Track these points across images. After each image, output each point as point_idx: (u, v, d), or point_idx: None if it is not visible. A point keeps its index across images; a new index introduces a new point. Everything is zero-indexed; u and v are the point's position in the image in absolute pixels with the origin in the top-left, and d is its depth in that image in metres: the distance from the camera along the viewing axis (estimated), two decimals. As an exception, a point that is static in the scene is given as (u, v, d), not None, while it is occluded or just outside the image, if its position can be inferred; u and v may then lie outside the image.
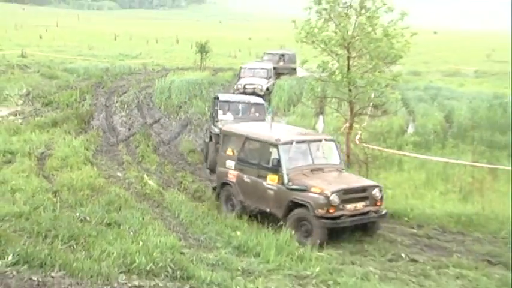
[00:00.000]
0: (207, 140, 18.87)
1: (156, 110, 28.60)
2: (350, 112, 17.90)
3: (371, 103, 18.50)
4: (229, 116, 18.78)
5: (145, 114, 27.42)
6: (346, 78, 16.76)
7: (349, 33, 16.90)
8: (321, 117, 26.34)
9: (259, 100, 20.29)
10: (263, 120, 18.09)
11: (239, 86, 29.60)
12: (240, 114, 19.01)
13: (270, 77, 31.84)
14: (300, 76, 35.08)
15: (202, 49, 43.40)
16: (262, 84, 30.01)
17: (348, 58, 17.16)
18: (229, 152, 13.89)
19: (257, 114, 19.04)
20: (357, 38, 16.94)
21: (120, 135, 22.77)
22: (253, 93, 27.26)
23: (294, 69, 36.45)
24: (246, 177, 13.26)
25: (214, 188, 14.50)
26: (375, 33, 16.70)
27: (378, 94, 17.52)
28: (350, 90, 17.26)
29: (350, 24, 16.91)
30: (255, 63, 35.14)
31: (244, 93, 27.41)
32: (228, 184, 13.74)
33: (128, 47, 59.65)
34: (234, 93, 28.08)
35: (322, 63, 17.27)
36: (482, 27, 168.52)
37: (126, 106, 28.27)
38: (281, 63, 36.45)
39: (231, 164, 13.71)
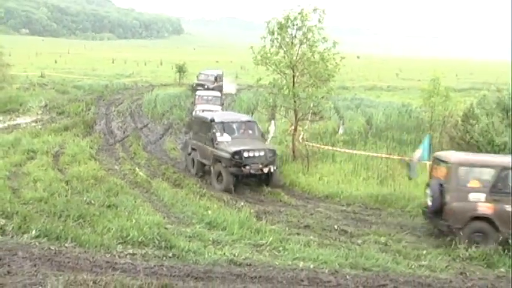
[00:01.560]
0: (189, 151, 16.67)
1: (144, 117, 28.23)
2: (295, 118, 17.99)
3: (311, 111, 18.63)
4: (227, 137, 15.16)
5: (136, 120, 27.04)
6: (292, 92, 16.85)
7: (294, 57, 17.01)
8: (272, 121, 26.21)
9: (250, 118, 17.43)
10: (256, 137, 15.64)
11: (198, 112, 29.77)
12: (236, 134, 15.57)
13: (222, 104, 31.50)
14: (228, 92, 35.91)
15: (181, 69, 43.09)
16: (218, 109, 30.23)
17: (293, 76, 17.25)
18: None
19: (250, 132, 15.90)
20: (300, 61, 17.04)
21: (117, 137, 22.44)
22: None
23: (222, 86, 36.12)
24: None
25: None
26: (314, 58, 16.83)
27: (316, 104, 17.65)
28: (295, 102, 17.35)
29: (295, 50, 17.01)
30: (208, 92, 33.87)
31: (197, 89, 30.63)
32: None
33: (123, 68, 58.65)
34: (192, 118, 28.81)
35: (273, 80, 17.33)
36: (392, 54, 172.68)
37: (121, 114, 27.87)
38: (215, 83, 36.16)
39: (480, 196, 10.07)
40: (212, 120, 15.33)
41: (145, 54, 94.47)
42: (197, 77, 36.04)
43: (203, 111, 22.42)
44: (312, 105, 17.99)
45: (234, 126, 15.67)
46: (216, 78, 35.34)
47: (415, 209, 12.76)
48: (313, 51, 16.71)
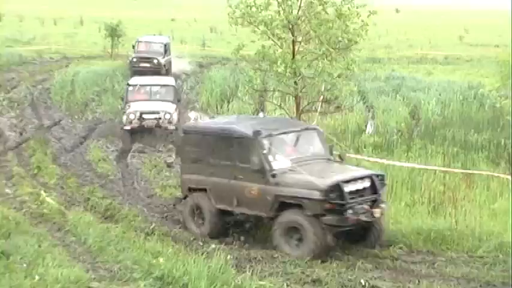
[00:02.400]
0: (185, 194, 15.22)
1: (55, 109, 28.20)
2: (296, 108, 18.05)
3: (321, 97, 18.71)
4: (285, 161, 13.60)
5: (42, 114, 26.98)
6: (291, 68, 16.91)
7: (295, 12, 17.08)
8: (261, 114, 26.49)
9: (307, 124, 16.00)
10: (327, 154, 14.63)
11: (134, 60, 34.34)
12: (293, 152, 14.11)
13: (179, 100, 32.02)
14: (181, 70, 37.49)
15: (113, 32, 43.13)
16: (159, 58, 34.59)
17: (293, 43, 17.32)
18: None
19: (313, 147, 14.64)
20: (303, 18, 17.12)
21: (9, 141, 22.38)
22: (150, 68, 33.25)
23: (171, 62, 37.46)
24: None
25: None
26: (326, 13, 16.93)
27: (329, 86, 17.74)
28: (296, 83, 17.41)
29: (296, 2, 17.10)
30: (152, 37, 39.15)
31: (136, 68, 33.57)
32: None
33: (18, 30, 58.47)
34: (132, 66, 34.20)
35: (261, 49, 17.35)
36: (453, 2, 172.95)
37: (16, 105, 27.85)
38: (165, 56, 36.59)
39: None
40: (257, 134, 13.61)
41: (54, 6, 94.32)
42: (134, 47, 36.22)
43: (163, 115, 22.92)
44: (323, 89, 18.07)
45: (289, 138, 14.37)
46: (165, 49, 36.31)
47: (491, 253, 12.85)
48: (324, 2, 16.83)
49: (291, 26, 17.11)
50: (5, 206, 14.41)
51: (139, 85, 24.21)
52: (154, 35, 41.17)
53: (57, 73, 33.06)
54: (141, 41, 36.62)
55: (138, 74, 32.18)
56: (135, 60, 34.40)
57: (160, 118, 22.64)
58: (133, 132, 22.55)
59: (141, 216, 14.87)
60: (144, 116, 22.62)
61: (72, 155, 21.22)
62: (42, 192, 16.00)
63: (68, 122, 25.93)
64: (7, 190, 16.35)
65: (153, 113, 22.77)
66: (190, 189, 14.58)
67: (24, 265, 10.48)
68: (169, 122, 22.75)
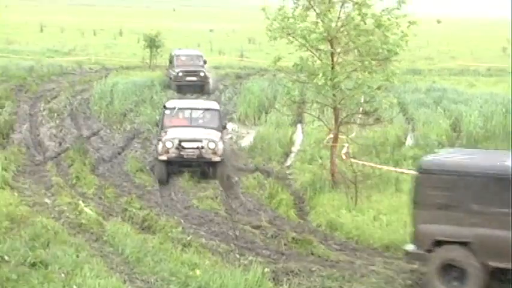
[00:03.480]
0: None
1: (94, 119, 28.40)
2: (335, 120, 18.01)
3: (360, 109, 18.63)
4: None
5: (81, 124, 27.19)
6: (330, 80, 16.88)
7: (334, 24, 17.04)
8: (299, 126, 26.49)
9: None
10: None
11: (179, 74, 34.68)
12: None
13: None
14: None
15: (152, 43, 43.44)
16: (205, 72, 35.58)
17: (332, 55, 17.32)
18: None
19: None
20: (342, 30, 17.08)
21: (49, 151, 22.56)
22: (197, 82, 34.78)
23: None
24: None
25: None
26: (365, 24, 16.86)
27: (368, 98, 17.67)
28: (334, 94, 17.37)
29: (335, 13, 17.06)
30: (191, 50, 40.65)
31: (185, 81, 34.50)
32: None
33: (58, 40, 59.27)
34: (171, 81, 34.94)
35: (300, 60, 17.38)
36: (496, 14, 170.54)
37: (56, 115, 28.07)
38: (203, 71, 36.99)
39: None
40: None
41: (94, 18, 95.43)
42: (172, 59, 36.61)
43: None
44: (362, 101, 17.99)
45: None
46: (204, 62, 37.30)
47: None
48: (364, 13, 16.76)
49: (329, 38, 17.10)
50: (44, 215, 14.52)
51: (178, 108, 21.22)
52: (180, 48, 41.54)
53: (96, 83, 33.30)
54: (180, 55, 37.00)
55: (183, 89, 34.05)
56: (180, 74, 34.75)
57: (203, 147, 19.44)
58: (169, 163, 19.76)
59: (179, 228, 14.89)
60: (183, 144, 19.50)
61: (110, 165, 21.30)
62: (80, 202, 16.08)
63: (106, 132, 26.08)
64: (46, 200, 16.43)
65: (195, 141, 19.56)
66: (438, 243, 11.99)
67: (62, 275, 10.55)
68: (214, 153, 19.44)
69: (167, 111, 20.89)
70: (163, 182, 19.31)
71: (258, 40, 59.02)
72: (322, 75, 16.64)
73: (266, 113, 28.95)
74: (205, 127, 20.50)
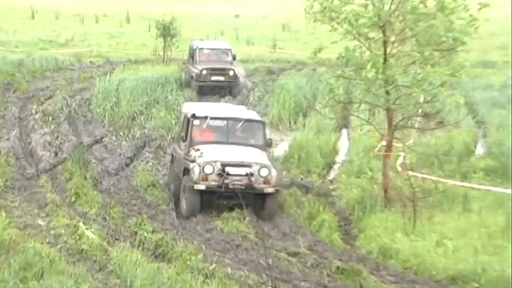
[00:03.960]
0: None
1: (96, 124, 28.58)
2: (388, 124, 17.97)
3: (420, 110, 18.56)
4: None
5: (81, 130, 27.38)
6: (383, 74, 16.84)
7: (387, 7, 17.02)
8: (344, 132, 26.43)
9: None
10: None
11: (203, 72, 34.14)
12: None
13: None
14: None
15: (166, 32, 43.46)
16: (234, 69, 35.21)
17: (385, 44, 17.28)
18: None
19: None
20: (397, 14, 17.05)
21: (43, 162, 22.71)
22: (224, 83, 34.48)
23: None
24: None
25: None
26: (425, 6, 16.82)
27: (429, 97, 17.60)
28: (388, 92, 17.33)
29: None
30: (215, 43, 40.52)
31: (210, 81, 34.14)
32: None
33: (53, 29, 59.71)
34: (193, 80, 34.39)
35: (345, 51, 17.36)
36: None
37: (51, 119, 28.28)
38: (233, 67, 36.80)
39: None
40: None
41: (96, 1, 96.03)
42: (193, 53, 35.85)
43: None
44: (422, 100, 17.93)
45: None
46: (233, 57, 36.50)
47: None
48: (423, -7, 16.75)
49: (381, 24, 17.06)
50: (38, 240, 14.57)
51: (211, 118, 19.35)
52: (201, 39, 41.80)
53: (99, 81, 33.38)
54: (203, 48, 36.50)
55: (206, 90, 33.95)
56: (204, 72, 34.25)
57: (252, 174, 17.89)
58: (206, 193, 18.15)
59: (199, 255, 14.91)
60: (227, 169, 17.87)
61: (116, 180, 21.45)
62: (80, 224, 16.13)
63: (111, 139, 26.21)
64: (39, 221, 16.50)
65: (242, 165, 18.01)
66: None
67: (60, 313, 10.59)
68: (267, 182, 17.92)
69: (196, 122, 18.93)
70: (195, 215, 18.03)
71: (294, 27, 59.06)
72: (371, 67, 16.55)
73: (304, 115, 28.93)
74: (248, 145, 18.90)
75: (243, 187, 17.62)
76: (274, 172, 18.12)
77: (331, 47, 17.73)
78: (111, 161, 23.47)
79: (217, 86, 34.24)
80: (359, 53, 17.35)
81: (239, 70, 36.27)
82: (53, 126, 27.22)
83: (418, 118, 19.01)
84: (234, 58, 36.16)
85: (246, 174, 17.74)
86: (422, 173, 19.02)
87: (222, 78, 34.49)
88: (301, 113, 29.42)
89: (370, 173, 19.99)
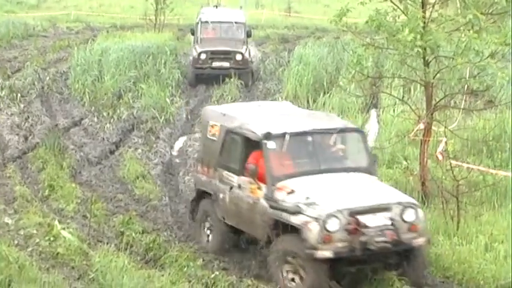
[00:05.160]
0: None
1: (74, 102, 28.60)
2: (427, 104, 17.93)
3: (465, 87, 18.54)
4: None
5: (56, 110, 27.43)
6: (421, 41, 16.78)
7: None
8: (373, 112, 26.36)
9: None
10: None
11: (202, 56, 32.03)
12: None
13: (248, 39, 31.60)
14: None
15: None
16: (243, 52, 32.49)
17: (423, 6, 17.23)
18: None
19: None
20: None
21: (10, 149, 22.77)
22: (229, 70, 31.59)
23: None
24: None
25: None
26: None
27: (477, 70, 17.55)
28: (427, 64, 17.29)
29: None
30: (224, 12, 36.67)
31: (211, 68, 31.99)
32: None
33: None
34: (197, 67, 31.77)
35: (376, 15, 17.32)
36: None
37: (19, 96, 28.33)
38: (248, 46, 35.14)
39: None
40: None
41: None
42: (193, 32, 34.13)
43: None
44: (467, 74, 17.89)
45: None
46: (247, 33, 33.80)
47: None
48: None
49: (420, -19, 17.04)
50: (4, 242, 14.62)
51: (292, 134, 15.21)
52: (216, 6, 38.17)
53: (77, 50, 33.34)
54: (207, 21, 34.02)
55: (203, 80, 32.21)
56: (203, 56, 32.15)
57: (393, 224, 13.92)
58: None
59: (198, 260, 14.95)
60: (362, 219, 13.78)
61: (99, 170, 21.50)
62: (56, 222, 16.18)
63: (92, 121, 26.18)
64: (6, 219, 16.55)
65: (379, 209, 14.07)
66: None
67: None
68: (413, 230, 14.04)
69: (272, 145, 15.14)
70: None
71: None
72: (408, 32, 16.47)
73: (325, 93, 28.80)
74: (350, 169, 15.64)
75: (388, 245, 13.87)
76: (421, 213, 14.48)
77: (358, 9, 17.71)
78: (93, 147, 23.49)
79: (219, 74, 31.60)
80: (392, 17, 17.31)
81: (254, 52, 33.91)
82: (22, 105, 27.31)
83: (463, 96, 18.95)
84: (248, 35, 33.82)
85: (391, 224, 13.94)
86: (468, 163, 19.00)
87: (226, 64, 32.13)
88: (322, 90, 29.29)
89: (404, 162, 19.91)
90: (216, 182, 16.11)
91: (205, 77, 32.23)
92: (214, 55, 32.20)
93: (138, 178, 20.51)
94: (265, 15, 48.01)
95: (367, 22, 17.52)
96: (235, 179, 15.57)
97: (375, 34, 17.83)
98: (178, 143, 24.55)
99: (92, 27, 44.30)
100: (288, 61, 34.40)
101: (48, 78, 30.98)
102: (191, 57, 32.57)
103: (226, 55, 32.33)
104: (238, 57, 32.10)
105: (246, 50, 32.61)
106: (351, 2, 17.71)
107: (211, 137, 16.46)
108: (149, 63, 32.66)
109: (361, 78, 19.61)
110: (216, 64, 32.20)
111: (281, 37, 42.06)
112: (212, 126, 16.51)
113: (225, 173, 15.86)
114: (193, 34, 33.93)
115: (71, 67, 31.94)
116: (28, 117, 26.08)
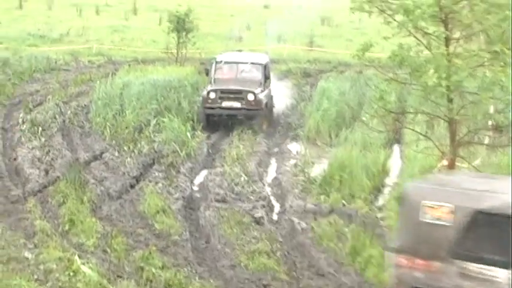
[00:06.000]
0: None
1: (96, 136, 28.62)
2: (450, 140, 17.86)
3: (490, 122, 18.43)
4: None
5: (77, 144, 27.44)
6: (445, 79, 16.73)
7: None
8: (396, 148, 26.31)
9: None
10: None
11: (211, 95, 30.24)
12: None
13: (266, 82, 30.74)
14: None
15: (181, 26, 43.57)
16: (256, 92, 30.38)
17: (447, 41, 17.18)
18: None
19: None
20: (463, 3, 16.96)
21: (31, 183, 22.78)
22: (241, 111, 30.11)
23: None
24: None
25: None
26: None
27: (502, 105, 17.47)
28: (451, 100, 17.23)
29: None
30: (241, 54, 35.00)
31: (220, 108, 30.16)
32: None
33: (45, 21, 59.96)
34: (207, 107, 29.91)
35: (399, 50, 17.29)
36: None
37: (41, 130, 28.39)
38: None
39: None
40: None
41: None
42: (207, 72, 32.68)
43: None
44: (492, 110, 17.79)
45: None
46: (265, 73, 32.32)
47: None
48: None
49: (443, 15, 16.98)
50: (24, 277, 14.64)
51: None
52: (240, 50, 37.38)
53: (99, 84, 33.45)
54: (222, 60, 32.75)
55: (215, 123, 30.75)
56: (212, 95, 30.68)
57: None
58: None
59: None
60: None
61: (119, 204, 21.45)
62: (76, 257, 16.20)
63: (113, 155, 26.18)
64: (26, 254, 16.57)
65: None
66: None
67: None
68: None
69: None
70: None
71: (336, 21, 59.09)
72: (434, 72, 16.47)
73: (347, 128, 28.78)
74: None
75: None
76: None
77: (382, 44, 17.66)
78: (113, 181, 23.48)
79: (230, 115, 30.83)
80: (415, 52, 17.27)
81: (269, 92, 32.38)
82: (43, 139, 27.33)
83: (488, 132, 18.84)
84: (266, 76, 32.21)
85: None
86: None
87: (237, 105, 30.51)
88: (344, 125, 29.29)
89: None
90: (452, 278, 13.26)
91: (216, 120, 30.89)
92: (224, 94, 30.60)
93: (158, 213, 20.50)
94: (287, 50, 48.02)
95: (390, 57, 17.50)
96: (500, 274, 12.77)
97: (398, 69, 17.78)
98: (199, 178, 24.52)
99: (113, 61, 44.45)
100: (310, 95, 34.43)
101: (69, 112, 31.08)
102: (201, 97, 31.24)
103: (237, 94, 30.63)
104: (250, 97, 30.27)
105: (262, 90, 30.94)
106: (374, 37, 17.70)
107: (433, 221, 13.37)
108: (170, 97, 32.72)
109: (384, 114, 19.58)
110: (226, 104, 30.56)
111: (303, 71, 42.10)
112: (432, 208, 13.45)
113: (473, 265, 13.06)
114: (207, 74, 32.56)
115: (92, 101, 32.09)
116: (49, 151, 26.12)
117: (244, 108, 30.30)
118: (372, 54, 18.13)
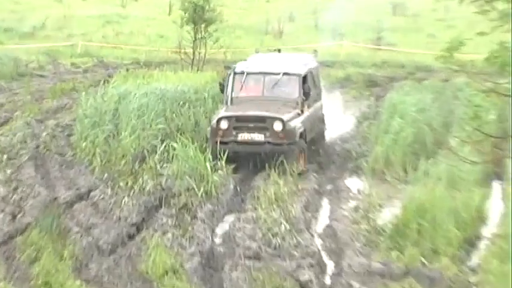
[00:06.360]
0: None
1: (81, 167, 28.80)
2: None
3: None
4: None
5: (55, 178, 27.64)
6: None
7: None
8: (496, 186, 26.29)
9: None
10: None
11: (222, 125, 29.01)
12: None
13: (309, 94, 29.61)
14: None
15: (199, 15, 43.73)
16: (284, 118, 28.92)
17: None
18: None
19: None
20: None
21: (-7, 232, 22.98)
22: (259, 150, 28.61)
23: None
24: None
25: None
26: None
27: None
28: None
29: None
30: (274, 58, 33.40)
31: (236, 143, 28.79)
32: None
33: (11, 8, 60.49)
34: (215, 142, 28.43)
35: (500, 49, 17.36)
36: None
37: (6, 158, 28.86)
38: None
39: None
40: None
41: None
42: (222, 86, 31.79)
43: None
44: None
45: None
46: (304, 86, 30.45)
47: None
48: None
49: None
50: None
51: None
52: (279, 50, 35.72)
53: (86, 96, 33.69)
54: (241, 72, 31.40)
55: (233, 160, 29.05)
56: (224, 125, 29.33)
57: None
58: None
59: None
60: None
61: (113, 261, 21.53)
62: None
63: (105, 193, 26.28)
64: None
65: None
66: None
67: None
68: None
69: None
70: None
71: (413, 9, 59.23)
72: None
73: (428, 157, 28.79)
74: None
75: None
76: None
77: (476, 41, 17.74)
78: (105, 230, 23.57)
79: (249, 152, 29.29)
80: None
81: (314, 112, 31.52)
82: (8, 171, 27.67)
83: None
84: (307, 91, 30.48)
85: None
86: None
87: (259, 138, 28.99)
88: (424, 154, 29.29)
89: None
90: None
91: (231, 156, 28.74)
92: (240, 123, 29.29)
93: (167, 273, 20.57)
94: (345, 49, 48.17)
95: (488, 59, 17.56)
96: None
97: (499, 76, 17.83)
98: (223, 226, 24.53)
99: (105, 63, 44.84)
100: (377, 112, 34.49)
101: (45, 133, 31.33)
102: (209, 127, 29.97)
103: (259, 123, 29.20)
104: (277, 126, 28.65)
105: (298, 114, 29.79)
106: (466, 32, 17.77)
107: None
108: (184, 114, 32.80)
109: (479, 138, 19.63)
110: (243, 137, 29.17)
111: (367, 78, 42.18)
112: None
113: None
114: (222, 91, 31.67)
115: (77, 119, 32.25)
116: (17, 187, 26.34)
117: (269, 143, 28.86)
118: (463, 55, 18.19)
